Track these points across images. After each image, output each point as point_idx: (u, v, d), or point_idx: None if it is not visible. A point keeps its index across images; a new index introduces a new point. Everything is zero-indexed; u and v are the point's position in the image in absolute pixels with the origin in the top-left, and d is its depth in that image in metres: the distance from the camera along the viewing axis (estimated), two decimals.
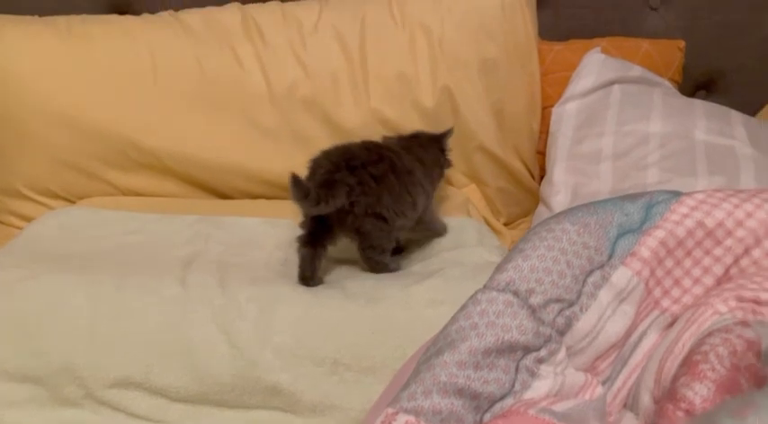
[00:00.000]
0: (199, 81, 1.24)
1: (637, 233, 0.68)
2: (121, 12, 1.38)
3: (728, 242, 0.66)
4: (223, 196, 1.27)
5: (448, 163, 1.16)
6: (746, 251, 0.66)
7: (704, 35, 1.45)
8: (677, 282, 0.67)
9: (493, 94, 1.28)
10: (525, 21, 1.28)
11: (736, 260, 0.66)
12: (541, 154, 1.33)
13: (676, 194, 0.71)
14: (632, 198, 0.71)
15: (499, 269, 0.65)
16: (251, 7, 1.31)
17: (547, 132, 1.31)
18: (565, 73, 1.34)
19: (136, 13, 1.36)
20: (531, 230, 0.68)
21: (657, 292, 0.67)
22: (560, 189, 1.16)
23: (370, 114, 1.25)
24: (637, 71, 1.31)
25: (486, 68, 1.26)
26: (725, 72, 1.49)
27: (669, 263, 0.67)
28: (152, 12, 1.34)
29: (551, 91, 1.34)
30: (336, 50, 1.26)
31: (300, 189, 0.91)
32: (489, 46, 1.26)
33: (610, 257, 0.66)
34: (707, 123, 1.18)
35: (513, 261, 0.64)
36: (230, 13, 1.29)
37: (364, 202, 0.94)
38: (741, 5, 1.44)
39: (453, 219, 1.13)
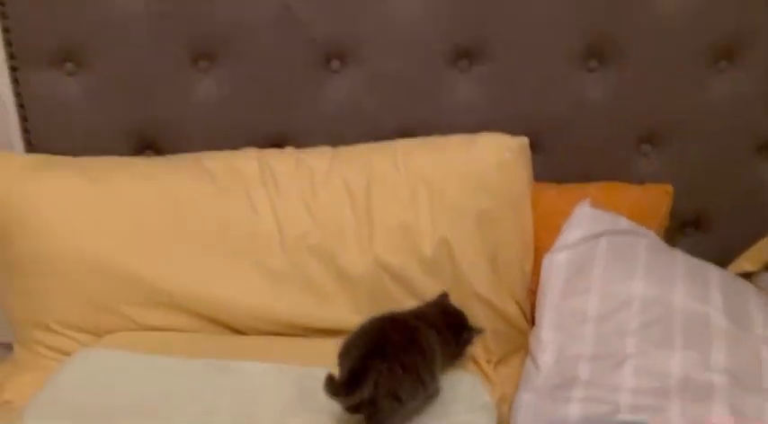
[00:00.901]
0: (216, 225, 1.35)
1: None
2: (148, 146, 1.50)
3: None
4: (235, 331, 1.37)
5: (461, 352, 1.24)
6: None
7: (692, 178, 1.54)
8: None
9: (488, 244, 1.36)
10: (520, 177, 1.38)
11: None
12: (533, 292, 1.42)
13: None
14: None
15: None
16: (267, 154, 1.41)
17: (539, 273, 1.39)
18: (556, 218, 1.42)
19: (160, 150, 1.47)
20: None
21: None
22: (547, 347, 1.24)
23: (373, 261, 1.34)
24: (623, 224, 1.39)
25: (483, 220, 1.35)
26: (711, 211, 1.57)
27: None
28: (176, 149, 1.45)
29: (543, 234, 1.42)
30: (345, 200, 1.36)
31: (332, 387, 1.03)
32: (486, 199, 1.36)
33: None
34: (685, 287, 1.26)
35: None
36: (248, 159, 1.40)
37: (388, 386, 1.03)
38: (727, 152, 1.53)
39: (448, 374, 1.21)
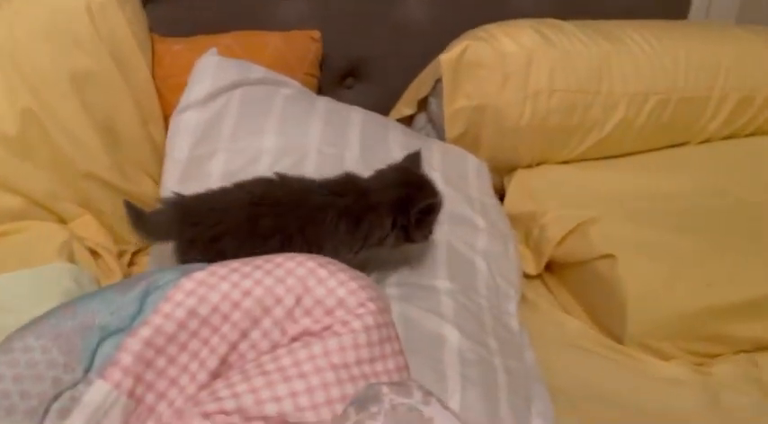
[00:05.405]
0: None
1: (123, 333, 0.60)
2: None
3: (225, 328, 0.62)
4: None
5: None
6: (244, 335, 0.62)
7: (340, 23, 1.42)
8: (174, 382, 0.61)
9: (95, 112, 1.12)
10: (122, 23, 1.13)
11: (234, 347, 0.62)
12: None
13: (180, 276, 0.64)
14: (125, 288, 0.63)
15: None
16: None
17: None
18: (186, 77, 1.22)
19: None
20: None
21: (150, 398, 0.60)
22: None
23: None
24: (258, 72, 1.23)
25: (79, 82, 1.10)
26: (366, 59, 1.48)
27: (161, 363, 0.60)
28: None
29: (173, 97, 1.22)
30: None
31: None
32: (79, 56, 1.10)
33: (87, 371, 0.58)
34: (321, 133, 1.15)
35: None
36: None
37: None
38: None
39: (36, 269, 0.97)
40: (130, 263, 1.18)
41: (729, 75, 1.30)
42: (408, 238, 0.93)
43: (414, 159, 0.98)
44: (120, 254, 1.16)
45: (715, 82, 1.30)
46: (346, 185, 0.94)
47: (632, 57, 1.27)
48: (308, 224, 0.89)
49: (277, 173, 0.95)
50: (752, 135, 1.37)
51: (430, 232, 0.95)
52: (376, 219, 0.90)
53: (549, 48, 1.24)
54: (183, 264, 0.88)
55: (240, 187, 0.94)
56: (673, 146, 1.35)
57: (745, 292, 1.05)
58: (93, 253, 1.10)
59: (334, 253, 0.87)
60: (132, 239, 1.19)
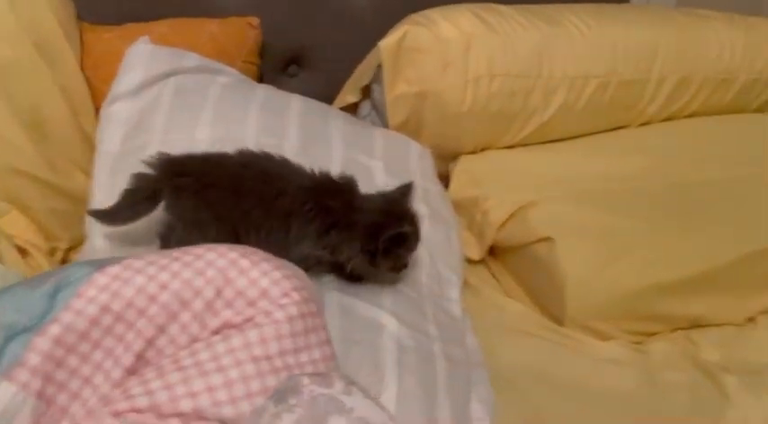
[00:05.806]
0: None
1: (31, 332, 0.57)
2: None
3: (140, 323, 0.59)
4: None
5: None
6: (161, 330, 0.60)
7: (281, 10, 1.39)
8: (88, 381, 0.59)
9: (19, 105, 1.07)
10: (45, 10, 1.09)
11: (151, 343, 0.60)
12: None
13: (92, 270, 0.61)
14: (35, 284, 0.60)
15: None
16: None
17: None
18: (117, 66, 1.18)
19: None
20: None
21: (62, 399, 0.58)
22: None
23: None
24: (193, 60, 1.20)
25: (2, 74, 1.05)
26: (309, 46, 1.46)
27: (74, 362, 0.58)
28: None
29: (104, 88, 1.18)
30: None
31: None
32: (2, 46, 1.05)
33: None
34: (259, 122, 1.13)
35: None
36: None
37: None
38: None
39: None
40: (63, 260, 1.14)
41: (667, 58, 1.32)
42: (374, 263, 0.91)
43: (405, 191, 0.98)
44: (52, 252, 1.12)
45: (653, 65, 1.31)
46: (340, 190, 0.93)
47: (571, 40, 1.27)
48: (282, 196, 0.90)
49: (282, 156, 0.96)
50: (690, 117, 1.39)
51: (404, 265, 0.95)
52: (348, 238, 0.90)
53: (489, 32, 1.23)
54: (172, 216, 0.91)
55: (241, 153, 0.96)
56: (614, 129, 1.37)
57: (681, 271, 1.06)
58: (22, 251, 1.05)
59: (299, 240, 0.89)
60: (64, 235, 1.15)
